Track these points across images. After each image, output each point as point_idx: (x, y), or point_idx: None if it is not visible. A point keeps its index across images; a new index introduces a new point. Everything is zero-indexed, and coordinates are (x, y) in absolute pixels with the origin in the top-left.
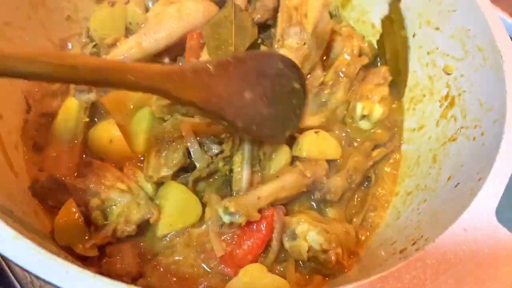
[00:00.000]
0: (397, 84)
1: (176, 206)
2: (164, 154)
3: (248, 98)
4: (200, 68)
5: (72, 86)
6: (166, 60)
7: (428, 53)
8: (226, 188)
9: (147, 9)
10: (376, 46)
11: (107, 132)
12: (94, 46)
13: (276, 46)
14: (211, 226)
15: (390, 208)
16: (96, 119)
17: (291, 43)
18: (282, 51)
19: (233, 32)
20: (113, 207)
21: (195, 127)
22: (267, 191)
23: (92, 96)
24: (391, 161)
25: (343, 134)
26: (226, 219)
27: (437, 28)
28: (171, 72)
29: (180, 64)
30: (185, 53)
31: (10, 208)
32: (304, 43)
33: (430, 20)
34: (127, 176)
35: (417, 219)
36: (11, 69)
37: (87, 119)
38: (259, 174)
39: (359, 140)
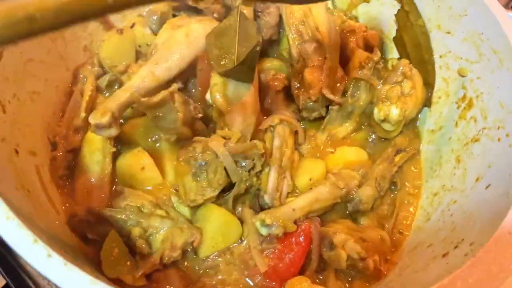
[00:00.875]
0: (426, 74)
1: (218, 228)
2: (203, 176)
3: None
4: None
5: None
6: (179, 84)
7: (440, 56)
8: (257, 202)
9: (152, 30)
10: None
11: (138, 160)
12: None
13: (296, 67)
14: (251, 243)
15: (418, 210)
16: (119, 147)
17: (313, 61)
18: (308, 74)
19: (236, 41)
20: (156, 234)
21: (226, 146)
22: (301, 203)
23: (113, 131)
24: (412, 168)
25: (371, 138)
26: (264, 231)
27: (448, 32)
28: None
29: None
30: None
31: (59, 244)
32: (325, 57)
33: (441, 25)
34: (163, 202)
35: (450, 221)
36: None
37: (114, 149)
38: (286, 181)
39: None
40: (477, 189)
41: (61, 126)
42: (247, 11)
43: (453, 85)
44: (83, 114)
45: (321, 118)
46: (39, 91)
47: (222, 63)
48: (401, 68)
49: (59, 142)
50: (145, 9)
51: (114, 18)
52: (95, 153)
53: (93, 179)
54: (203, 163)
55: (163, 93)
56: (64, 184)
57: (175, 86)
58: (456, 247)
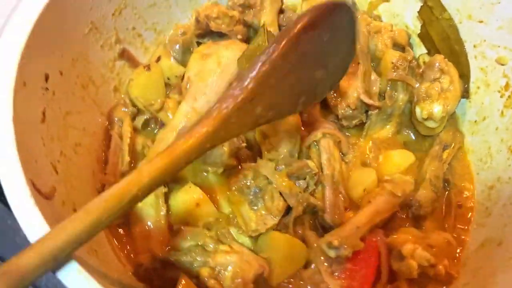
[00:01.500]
0: (459, 65)
1: (285, 254)
2: (261, 204)
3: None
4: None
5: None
6: None
7: (474, 46)
8: (315, 222)
9: (176, 59)
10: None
11: (191, 196)
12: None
13: None
14: (320, 266)
15: (476, 206)
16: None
17: None
18: (344, 82)
19: None
20: (225, 272)
21: (275, 181)
22: (364, 219)
23: None
24: (459, 163)
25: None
26: (332, 254)
27: (481, 21)
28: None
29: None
30: None
31: None
32: (358, 63)
33: (472, 14)
34: (223, 235)
35: (509, 214)
36: None
37: (166, 189)
38: (341, 196)
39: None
40: None
41: (107, 173)
42: (273, 28)
43: (493, 74)
44: (127, 159)
45: (361, 124)
46: (80, 142)
47: None
48: (437, 64)
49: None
50: (163, 39)
51: (137, 53)
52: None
53: (150, 223)
54: (257, 190)
55: None
56: (122, 234)
57: None
58: None
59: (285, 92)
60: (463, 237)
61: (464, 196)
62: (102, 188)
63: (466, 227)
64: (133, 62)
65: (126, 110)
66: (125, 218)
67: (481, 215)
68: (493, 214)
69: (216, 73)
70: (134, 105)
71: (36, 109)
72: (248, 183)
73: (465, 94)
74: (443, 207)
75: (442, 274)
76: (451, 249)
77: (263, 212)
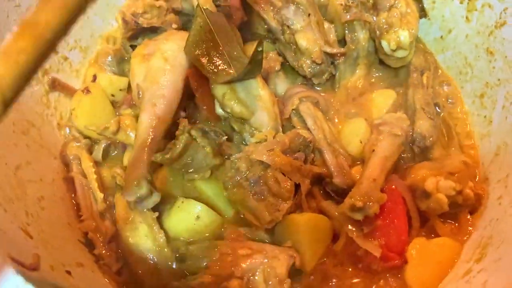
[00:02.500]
0: None
1: (310, 235)
2: (267, 193)
3: None
4: None
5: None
6: (182, 114)
7: None
8: (325, 189)
9: (114, 72)
10: None
11: (188, 212)
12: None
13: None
14: (350, 233)
15: (473, 119)
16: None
17: (299, 22)
18: (301, 39)
19: (220, 41)
20: (255, 277)
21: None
22: (376, 169)
23: (156, 196)
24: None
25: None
26: (359, 216)
27: None
28: None
29: None
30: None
31: None
32: (309, 14)
33: None
34: (237, 240)
35: None
36: None
37: (157, 213)
38: (341, 154)
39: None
40: None
41: (84, 220)
42: (208, 5)
43: None
44: (100, 195)
45: (331, 78)
46: (42, 195)
47: (222, 72)
48: None
49: (94, 239)
50: (91, 56)
51: (69, 79)
52: (138, 228)
53: (152, 256)
54: (256, 179)
55: (181, 138)
56: (126, 280)
57: (185, 123)
58: None
59: None
60: (472, 152)
61: (458, 113)
62: (85, 238)
63: (472, 142)
64: (67, 90)
65: (78, 144)
66: (122, 262)
67: (482, 125)
68: (494, 120)
69: (166, 70)
70: (86, 136)
71: None
72: (245, 175)
73: (422, 13)
74: (444, 132)
75: (472, 197)
76: (470, 169)
77: (272, 199)
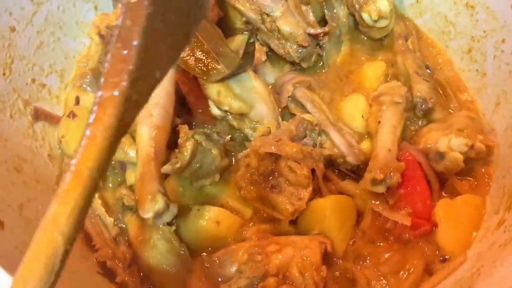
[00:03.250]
0: None
1: (336, 218)
2: (284, 184)
3: None
4: None
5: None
6: (178, 120)
7: None
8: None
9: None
10: None
11: (207, 218)
12: None
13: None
14: (376, 208)
15: (464, 74)
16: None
17: (278, 9)
18: (284, 25)
19: (201, 39)
20: (290, 270)
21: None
22: (388, 139)
23: (173, 209)
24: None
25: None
26: (381, 188)
27: None
28: None
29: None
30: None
31: None
32: None
33: None
34: (263, 236)
35: (508, 61)
36: None
37: (174, 227)
38: (347, 132)
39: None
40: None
41: (99, 248)
42: None
43: None
44: (110, 220)
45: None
46: None
47: (213, 71)
48: None
49: (113, 266)
50: (69, 79)
51: (51, 106)
52: (158, 245)
53: (176, 270)
54: (270, 172)
55: (188, 145)
56: None
57: (186, 129)
58: None
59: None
60: (471, 106)
61: (449, 71)
62: (103, 268)
63: (468, 97)
64: (51, 118)
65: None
66: (148, 284)
67: (476, 79)
68: (488, 71)
69: None
70: None
71: None
72: (258, 171)
73: None
74: (440, 92)
75: (484, 150)
76: (476, 123)
77: (291, 189)
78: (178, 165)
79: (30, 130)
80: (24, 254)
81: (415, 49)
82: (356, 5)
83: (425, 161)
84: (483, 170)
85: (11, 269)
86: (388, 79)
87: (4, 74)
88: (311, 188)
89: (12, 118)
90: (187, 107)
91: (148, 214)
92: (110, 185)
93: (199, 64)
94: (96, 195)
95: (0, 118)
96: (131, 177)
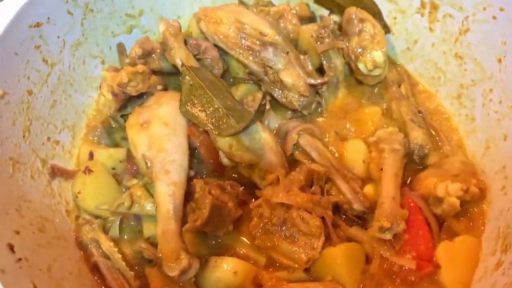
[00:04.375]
0: (366, 7)
1: (347, 264)
2: (297, 234)
3: None
4: None
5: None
6: (192, 172)
7: None
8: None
9: (108, 145)
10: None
11: (225, 270)
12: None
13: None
14: (384, 253)
15: (454, 119)
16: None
17: (280, 62)
18: (286, 77)
19: (212, 94)
20: None
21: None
22: (391, 188)
23: (195, 265)
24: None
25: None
26: (389, 235)
27: None
28: None
29: None
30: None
31: None
32: (287, 52)
33: None
34: (278, 283)
35: (499, 108)
36: None
37: (193, 278)
38: (351, 179)
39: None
40: (509, 66)
41: None
42: (192, 62)
43: (403, 1)
44: (131, 273)
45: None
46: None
47: (224, 125)
48: (353, 16)
49: None
50: (80, 134)
51: (64, 162)
52: None
53: None
54: (283, 222)
55: (207, 203)
56: None
57: (202, 184)
58: None
59: None
60: (459, 150)
61: (440, 117)
62: None
63: (459, 140)
64: (66, 174)
65: (93, 226)
66: None
67: (466, 123)
68: (477, 117)
69: (169, 134)
70: (97, 217)
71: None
72: (270, 221)
73: (386, 29)
74: (434, 134)
75: (478, 193)
76: (469, 167)
77: (304, 238)
78: (198, 223)
79: (48, 188)
80: None
81: (408, 94)
82: (352, 56)
83: (425, 206)
84: (476, 210)
85: None
86: (384, 126)
87: (24, 136)
88: (323, 237)
89: (32, 178)
90: (199, 157)
91: (174, 273)
92: (126, 236)
93: (211, 119)
94: (116, 249)
95: (23, 180)
96: (148, 229)
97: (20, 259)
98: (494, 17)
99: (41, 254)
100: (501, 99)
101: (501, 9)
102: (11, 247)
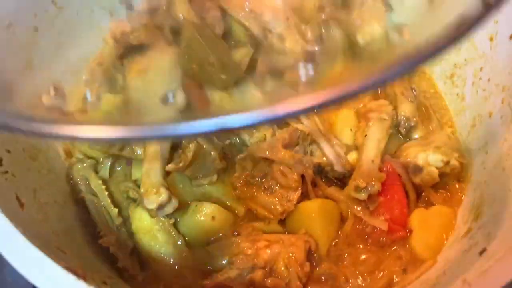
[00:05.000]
0: None
1: (321, 219)
2: (275, 186)
3: None
4: None
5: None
6: None
7: None
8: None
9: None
10: None
11: (204, 213)
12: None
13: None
14: (357, 213)
15: (446, 97)
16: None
17: (280, 25)
18: (288, 42)
19: (209, 51)
20: (277, 265)
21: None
22: (372, 152)
23: (174, 202)
24: None
25: None
26: (363, 195)
27: None
28: None
29: None
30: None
31: None
32: (287, 18)
33: None
34: (254, 234)
35: (488, 86)
36: None
37: (172, 220)
38: (336, 144)
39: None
40: (499, 45)
41: (103, 235)
42: (193, 19)
43: None
44: (115, 210)
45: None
46: (61, 216)
47: (217, 79)
48: None
49: (116, 252)
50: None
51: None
52: (157, 236)
53: (174, 260)
54: (263, 175)
55: (191, 147)
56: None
57: None
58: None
59: None
60: (450, 129)
61: (432, 94)
62: (106, 253)
63: (448, 118)
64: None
65: (84, 165)
66: (147, 271)
67: (456, 102)
68: (467, 95)
69: (163, 82)
70: (90, 157)
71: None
72: (252, 173)
73: (387, 7)
74: (424, 111)
75: (458, 166)
76: (452, 142)
77: (281, 191)
78: (181, 164)
79: None
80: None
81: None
82: (352, 28)
83: (404, 173)
84: (456, 186)
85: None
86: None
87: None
88: (299, 191)
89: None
90: (192, 110)
91: (152, 205)
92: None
93: (205, 73)
94: (103, 187)
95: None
96: (136, 172)
97: (7, 171)
98: None
99: (29, 177)
100: (490, 77)
101: None
102: (0, 159)
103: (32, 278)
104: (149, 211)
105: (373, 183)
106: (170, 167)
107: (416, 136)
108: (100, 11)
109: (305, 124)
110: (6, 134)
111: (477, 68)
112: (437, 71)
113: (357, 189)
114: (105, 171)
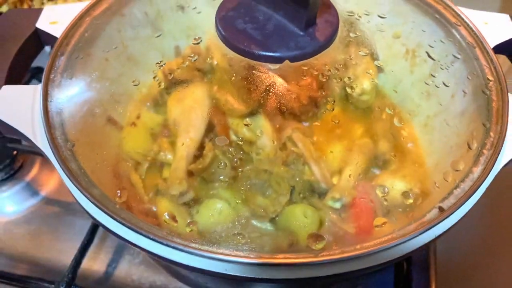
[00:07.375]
0: None
1: (302, 220)
2: (270, 191)
3: None
4: None
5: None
6: (206, 140)
7: None
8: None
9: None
10: None
11: (214, 207)
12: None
13: None
14: (333, 218)
15: (419, 142)
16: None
17: None
18: None
19: (232, 88)
20: None
21: (278, 169)
22: (349, 171)
23: (191, 194)
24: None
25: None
26: (338, 205)
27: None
28: None
29: None
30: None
31: None
32: None
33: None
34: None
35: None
36: None
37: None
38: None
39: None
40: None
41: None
42: (225, 64)
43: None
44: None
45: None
46: None
47: (236, 109)
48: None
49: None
50: (133, 102)
51: (118, 118)
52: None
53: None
54: (261, 183)
55: (209, 155)
56: None
57: (210, 145)
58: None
59: None
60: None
61: (409, 136)
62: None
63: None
64: (117, 124)
65: (128, 164)
66: None
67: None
68: (434, 143)
69: (195, 108)
70: (132, 158)
71: None
72: (254, 182)
73: (379, 68)
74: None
75: (419, 196)
76: (420, 174)
77: (274, 195)
78: (200, 166)
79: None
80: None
81: (386, 118)
82: (347, 82)
83: (373, 192)
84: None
85: None
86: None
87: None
88: (288, 197)
89: None
90: (214, 132)
91: (174, 192)
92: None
93: (228, 104)
94: (140, 180)
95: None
96: (166, 172)
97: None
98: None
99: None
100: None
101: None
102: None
103: None
104: (171, 197)
105: (346, 196)
106: (191, 167)
107: (391, 168)
108: (155, 53)
109: (301, 149)
110: None
111: (446, 118)
112: (414, 120)
113: (333, 199)
114: (142, 170)
